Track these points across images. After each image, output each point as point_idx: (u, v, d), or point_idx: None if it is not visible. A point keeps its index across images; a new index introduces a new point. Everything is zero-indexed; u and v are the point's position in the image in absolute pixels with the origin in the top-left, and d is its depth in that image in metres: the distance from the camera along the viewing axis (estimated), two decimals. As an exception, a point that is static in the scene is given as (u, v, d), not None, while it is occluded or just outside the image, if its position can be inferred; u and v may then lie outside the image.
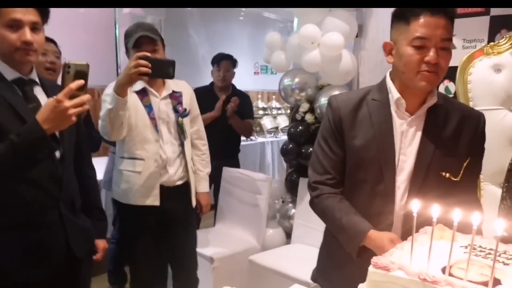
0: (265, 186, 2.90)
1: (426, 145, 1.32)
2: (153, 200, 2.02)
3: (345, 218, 1.33)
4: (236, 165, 3.60)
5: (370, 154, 1.34)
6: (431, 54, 1.23)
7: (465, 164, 1.31)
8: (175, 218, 2.13)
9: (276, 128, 5.91)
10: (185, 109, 2.10)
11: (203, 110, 2.38)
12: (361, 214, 1.34)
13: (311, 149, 2.68)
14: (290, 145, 2.95)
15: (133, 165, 2.00)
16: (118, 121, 1.84)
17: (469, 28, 2.16)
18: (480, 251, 0.91)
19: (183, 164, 2.12)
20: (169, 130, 2.06)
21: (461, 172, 1.18)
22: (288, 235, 2.99)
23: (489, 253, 0.89)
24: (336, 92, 2.55)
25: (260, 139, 5.49)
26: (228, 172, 3.20)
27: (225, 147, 3.29)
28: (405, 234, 1.26)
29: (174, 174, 2.07)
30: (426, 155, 1.31)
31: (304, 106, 2.87)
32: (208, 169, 2.32)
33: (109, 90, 1.83)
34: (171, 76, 1.83)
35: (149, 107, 2.01)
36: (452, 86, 2.13)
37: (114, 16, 4.51)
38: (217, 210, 3.22)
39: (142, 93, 2.01)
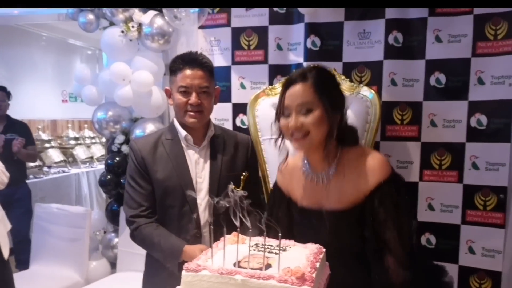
0: (85, 218, 2.87)
1: (214, 166, 1.67)
2: None
3: (163, 241, 1.57)
4: (26, 191, 3.78)
5: (172, 183, 1.63)
6: (192, 98, 1.59)
7: (242, 177, 1.63)
8: None
9: (91, 157, 5.73)
10: None
11: None
12: (175, 233, 1.60)
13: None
14: (109, 176, 2.94)
15: None
16: None
17: (255, 73, 2.60)
18: (262, 247, 1.25)
19: None
20: None
21: (241, 184, 1.58)
22: (113, 264, 3.03)
23: (267, 248, 1.23)
24: (150, 124, 2.78)
25: (74, 170, 5.23)
26: (42, 208, 3.07)
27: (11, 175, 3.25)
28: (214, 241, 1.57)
29: None
30: (215, 174, 1.66)
31: (120, 138, 2.90)
32: None
33: None
34: None
35: None
36: (245, 119, 2.56)
37: None
38: (32, 250, 3.05)
39: None
